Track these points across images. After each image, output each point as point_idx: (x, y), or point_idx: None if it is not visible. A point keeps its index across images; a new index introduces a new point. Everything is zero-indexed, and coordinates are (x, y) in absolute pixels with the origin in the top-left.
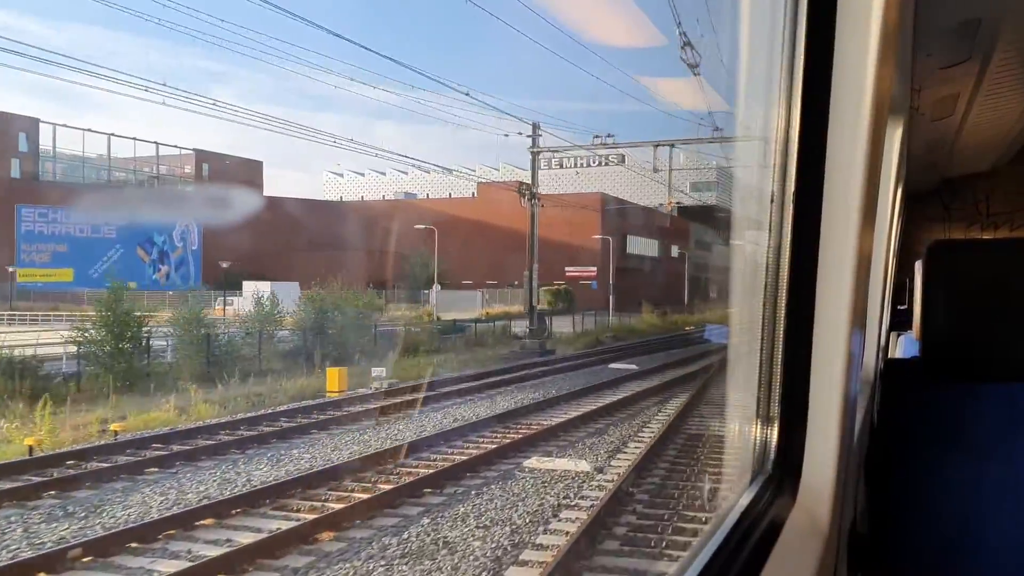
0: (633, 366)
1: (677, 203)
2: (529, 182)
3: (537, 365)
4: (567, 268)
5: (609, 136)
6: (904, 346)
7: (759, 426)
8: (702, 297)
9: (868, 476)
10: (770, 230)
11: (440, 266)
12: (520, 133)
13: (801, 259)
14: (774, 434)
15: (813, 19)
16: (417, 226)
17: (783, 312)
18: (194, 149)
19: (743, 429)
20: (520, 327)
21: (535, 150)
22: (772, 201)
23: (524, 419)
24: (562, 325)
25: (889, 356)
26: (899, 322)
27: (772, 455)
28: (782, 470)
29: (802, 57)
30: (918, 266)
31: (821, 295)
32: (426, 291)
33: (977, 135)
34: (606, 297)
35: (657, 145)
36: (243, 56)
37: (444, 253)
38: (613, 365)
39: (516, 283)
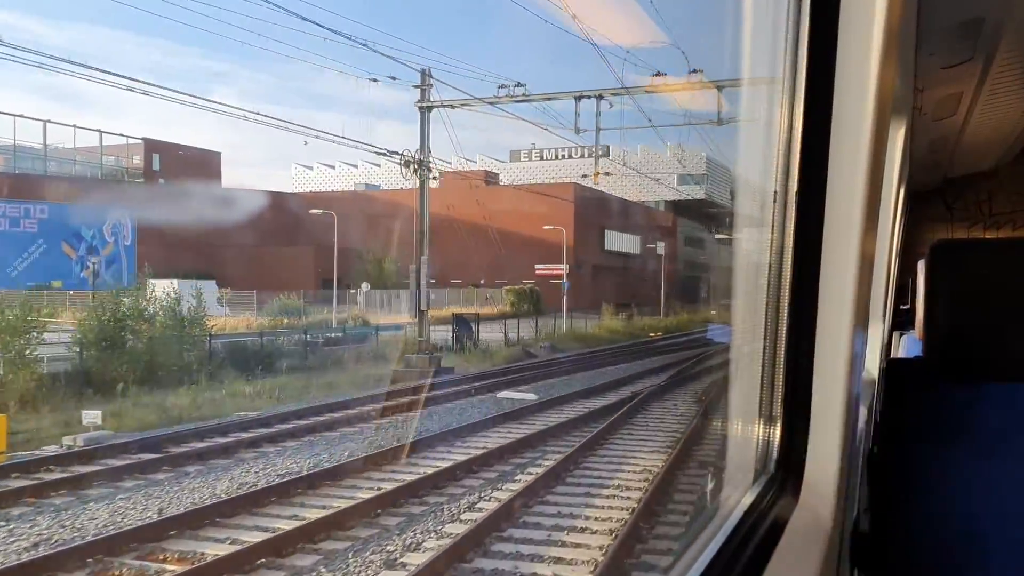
0: (531, 396)
1: (606, 173)
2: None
3: (405, 394)
4: (537, 266)
5: (519, 86)
6: (907, 346)
7: (761, 425)
8: (687, 298)
9: (871, 475)
10: (772, 229)
11: (394, 263)
12: (393, 77)
13: (804, 258)
14: (776, 433)
15: (816, 18)
16: (312, 211)
17: (786, 311)
18: (143, 138)
19: (744, 428)
20: (453, 334)
21: (424, 104)
22: (775, 200)
23: (220, 527)
24: (508, 331)
25: (892, 356)
26: (902, 322)
27: (775, 454)
28: (785, 469)
29: (805, 56)
30: (921, 266)
31: (824, 294)
32: (377, 290)
33: (980, 135)
34: (581, 297)
35: (580, 97)
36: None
37: (399, 248)
38: (505, 394)
39: (482, 282)
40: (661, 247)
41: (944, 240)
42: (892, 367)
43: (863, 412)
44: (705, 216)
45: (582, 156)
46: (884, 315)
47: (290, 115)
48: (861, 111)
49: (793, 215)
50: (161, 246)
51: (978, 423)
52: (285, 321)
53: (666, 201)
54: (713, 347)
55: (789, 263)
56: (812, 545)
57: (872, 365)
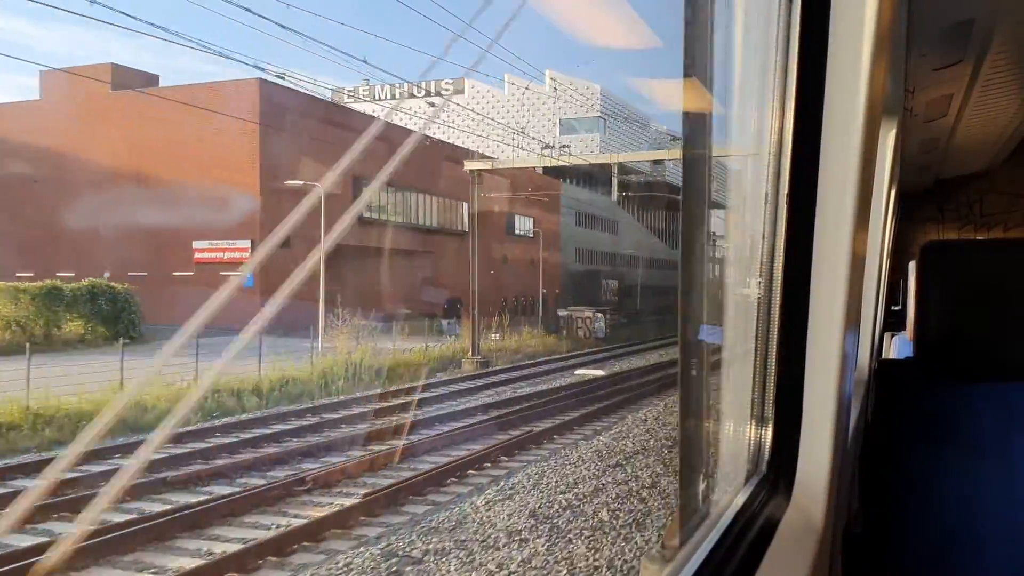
0: None
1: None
2: None
3: None
4: (196, 244)
5: None
6: (898, 346)
7: (753, 426)
8: (580, 300)
9: (863, 476)
10: (763, 230)
11: None
12: None
13: (795, 260)
14: (768, 434)
15: (807, 20)
16: None
17: (777, 312)
18: None
19: (736, 429)
20: None
21: None
22: (766, 202)
23: None
24: None
25: (883, 357)
26: (893, 323)
27: (767, 455)
28: (777, 470)
29: (796, 57)
30: (912, 267)
31: (815, 296)
32: None
33: (971, 136)
34: (291, 300)
35: None
36: None
37: None
38: None
39: (107, 275)
40: (527, 224)
41: (935, 241)
42: (883, 368)
43: (855, 412)
44: (611, 183)
45: (425, 95)
46: (875, 316)
47: None
48: (852, 112)
49: (784, 216)
50: None
51: (969, 423)
52: None
53: (547, 166)
54: None
55: (780, 264)
56: (804, 546)
57: (863, 366)
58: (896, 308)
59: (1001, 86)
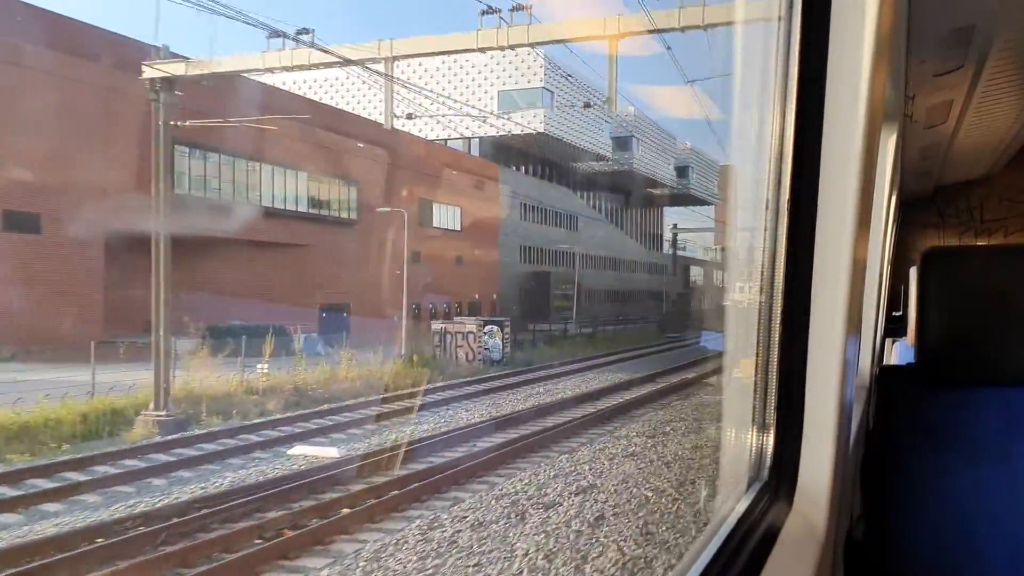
0: None
1: None
2: None
3: None
4: None
5: None
6: (899, 352)
7: (755, 432)
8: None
9: (864, 482)
10: (764, 237)
11: None
12: None
13: (796, 266)
14: (770, 440)
15: (807, 26)
16: None
17: (778, 318)
18: None
19: (738, 435)
20: None
21: None
22: (767, 208)
23: None
24: None
25: (884, 362)
26: (894, 328)
27: (768, 461)
28: (778, 476)
29: (796, 64)
30: (913, 272)
31: (816, 302)
32: None
33: (971, 142)
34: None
35: None
36: None
37: None
38: None
39: None
40: (452, 216)
41: (936, 247)
42: (885, 374)
43: (856, 418)
44: (560, 169)
45: (368, 64)
46: (876, 322)
47: None
48: (852, 118)
49: (785, 222)
50: None
51: (971, 428)
52: None
53: (482, 137)
54: None
55: (781, 271)
56: (806, 552)
57: (865, 372)
58: (897, 314)
59: (1001, 92)
